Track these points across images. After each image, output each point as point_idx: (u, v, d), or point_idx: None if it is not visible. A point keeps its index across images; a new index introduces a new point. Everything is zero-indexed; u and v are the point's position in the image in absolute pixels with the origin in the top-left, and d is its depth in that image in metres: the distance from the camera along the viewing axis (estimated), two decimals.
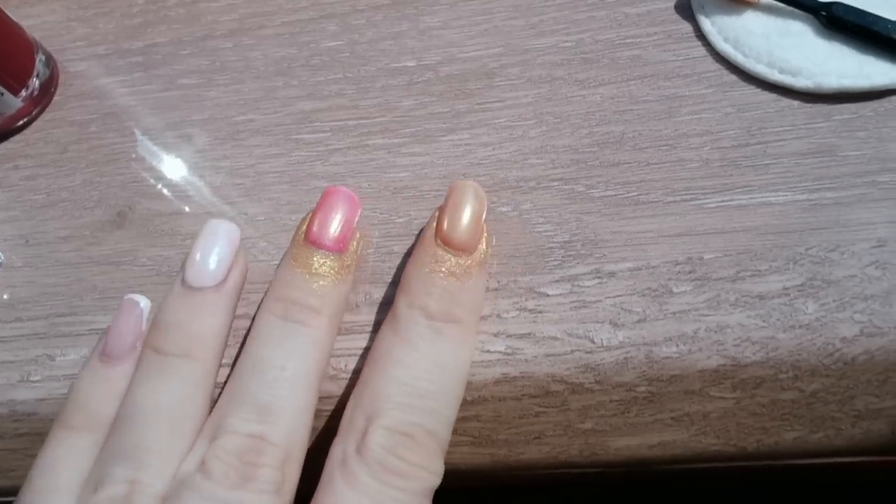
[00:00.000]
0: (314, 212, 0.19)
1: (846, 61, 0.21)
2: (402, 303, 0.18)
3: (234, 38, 0.27)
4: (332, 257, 0.19)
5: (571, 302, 0.20)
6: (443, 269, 0.18)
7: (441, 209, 0.19)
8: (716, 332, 0.19)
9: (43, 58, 0.27)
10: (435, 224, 0.19)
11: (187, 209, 0.24)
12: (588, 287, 0.20)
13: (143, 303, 0.20)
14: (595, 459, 0.20)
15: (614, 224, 0.21)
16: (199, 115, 0.25)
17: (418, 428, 0.17)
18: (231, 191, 0.23)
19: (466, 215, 0.19)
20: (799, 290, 0.19)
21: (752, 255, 0.19)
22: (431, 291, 0.18)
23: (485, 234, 0.19)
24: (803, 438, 0.18)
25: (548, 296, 0.20)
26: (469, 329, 0.18)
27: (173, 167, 0.24)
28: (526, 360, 0.19)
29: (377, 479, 0.16)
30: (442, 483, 0.17)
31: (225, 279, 0.19)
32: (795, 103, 0.21)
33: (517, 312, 0.20)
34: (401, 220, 0.22)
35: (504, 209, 0.22)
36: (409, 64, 0.25)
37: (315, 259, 0.19)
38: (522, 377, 0.19)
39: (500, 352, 0.20)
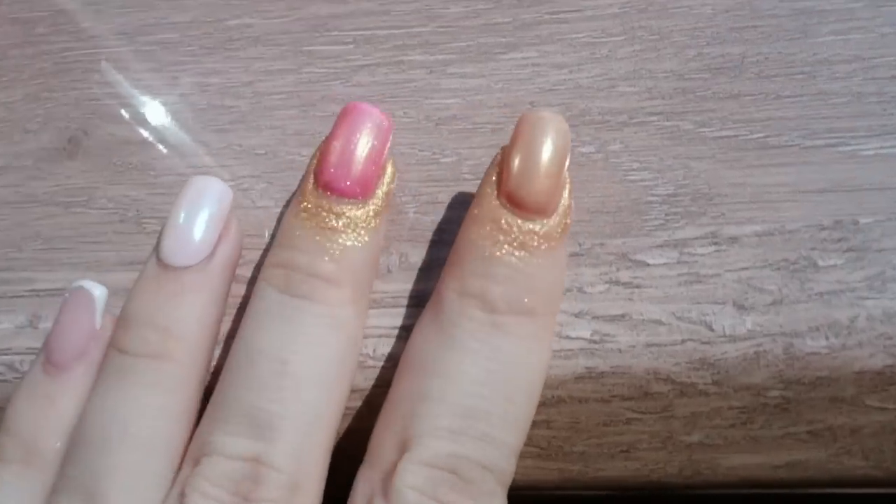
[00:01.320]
0: (327, 140, 0.14)
1: None
2: (450, 287, 0.13)
3: None
4: (353, 204, 0.13)
5: (680, 275, 0.15)
6: (510, 240, 0.13)
7: (506, 151, 0.13)
8: (881, 322, 0.14)
9: None
10: (497, 172, 0.13)
11: (163, 138, 0.18)
12: (702, 255, 0.15)
13: (98, 291, 0.14)
14: (698, 480, 0.15)
15: (734, 174, 0.16)
16: (181, 17, 0.19)
17: (467, 462, 0.12)
18: (221, 115, 0.18)
19: (543, 160, 0.13)
20: None
21: None
22: (494, 273, 0.13)
23: (567, 186, 0.14)
24: None
25: (648, 265, 0.15)
26: (546, 323, 0.13)
27: (144, 83, 0.19)
28: (619, 351, 0.14)
29: None
30: None
31: (211, 254, 0.14)
32: None
33: (606, 286, 0.15)
34: (447, 159, 0.17)
35: (586, 150, 0.16)
36: None
37: (329, 208, 0.13)
38: (614, 373, 0.14)
39: (583, 338, 0.15)
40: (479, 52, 0.18)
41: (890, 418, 0.14)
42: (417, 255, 0.16)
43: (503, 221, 0.13)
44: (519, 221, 0.13)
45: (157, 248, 0.14)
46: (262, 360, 0.12)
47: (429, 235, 0.16)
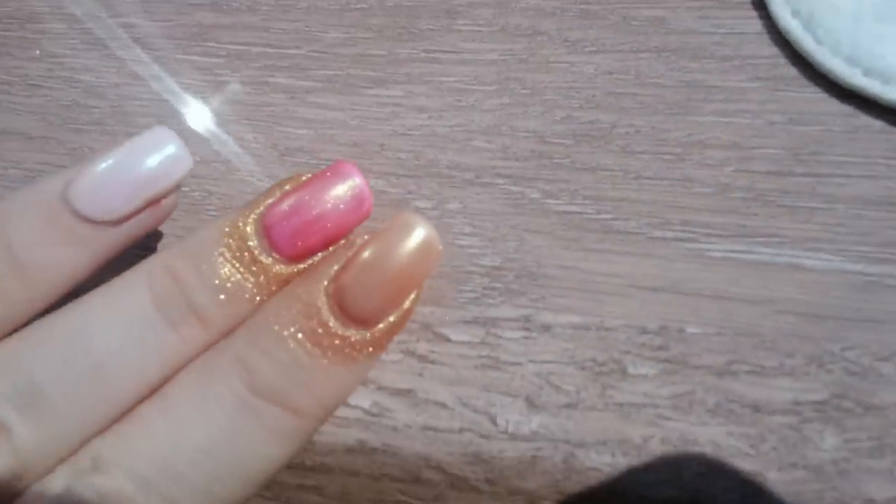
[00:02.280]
0: (303, 185, 0.12)
1: None
2: (233, 342, 0.12)
3: None
4: (279, 262, 0.12)
5: (480, 356, 0.14)
6: (312, 334, 0.11)
7: (367, 240, 0.12)
8: (676, 446, 0.12)
9: None
10: (338, 261, 0.12)
11: (21, 130, 0.18)
12: (508, 340, 0.14)
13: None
14: None
15: (568, 255, 0.14)
16: (62, 9, 0.19)
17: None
18: (82, 115, 0.18)
19: (389, 277, 0.11)
20: (817, 410, 0.12)
21: (756, 342, 0.13)
22: (275, 356, 0.11)
23: (413, 295, 0.12)
24: None
25: (449, 341, 0.14)
26: (307, 427, 0.12)
27: (20, 72, 0.19)
28: (395, 429, 0.13)
29: None
30: None
31: (122, 220, 0.12)
32: (878, 124, 0.14)
33: (400, 356, 0.14)
34: None
35: (423, 204, 0.15)
36: None
37: (249, 245, 0.12)
38: (385, 451, 0.13)
39: (362, 408, 0.14)
40: (345, 84, 0.17)
41: None
42: None
43: (315, 312, 0.11)
44: (332, 321, 0.11)
45: (68, 183, 0.12)
46: (80, 341, 0.11)
47: None
